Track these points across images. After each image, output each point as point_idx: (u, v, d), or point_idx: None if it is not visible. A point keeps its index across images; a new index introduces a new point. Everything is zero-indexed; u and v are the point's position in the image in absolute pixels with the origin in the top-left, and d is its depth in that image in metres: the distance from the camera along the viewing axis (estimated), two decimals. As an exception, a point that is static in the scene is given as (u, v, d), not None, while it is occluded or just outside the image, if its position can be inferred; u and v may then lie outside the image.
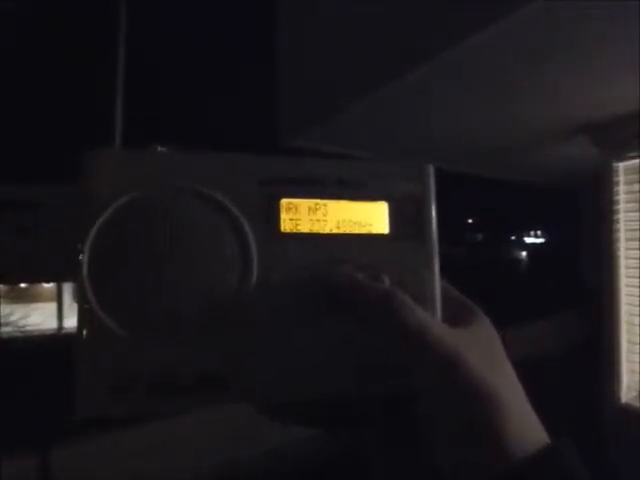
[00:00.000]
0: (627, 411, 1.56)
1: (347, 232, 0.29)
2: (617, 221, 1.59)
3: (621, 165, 1.59)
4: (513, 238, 2.52)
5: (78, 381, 0.25)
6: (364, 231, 0.29)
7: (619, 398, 1.58)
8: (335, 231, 0.29)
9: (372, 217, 0.29)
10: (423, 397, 0.26)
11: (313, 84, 1.52)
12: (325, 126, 1.57)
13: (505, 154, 1.97)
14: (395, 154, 1.95)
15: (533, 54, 1.04)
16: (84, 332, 0.25)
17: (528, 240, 2.54)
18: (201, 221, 0.26)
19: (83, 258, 0.25)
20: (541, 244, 2.54)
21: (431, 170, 0.31)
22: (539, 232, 2.57)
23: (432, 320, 0.27)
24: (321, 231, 0.28)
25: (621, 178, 1.59)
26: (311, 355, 0.27)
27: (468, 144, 1.81)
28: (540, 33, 0.94)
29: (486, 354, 0.26)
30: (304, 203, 0.28)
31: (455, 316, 0.29)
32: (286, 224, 0.28)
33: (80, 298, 0.25)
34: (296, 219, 0.28)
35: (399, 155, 1.93)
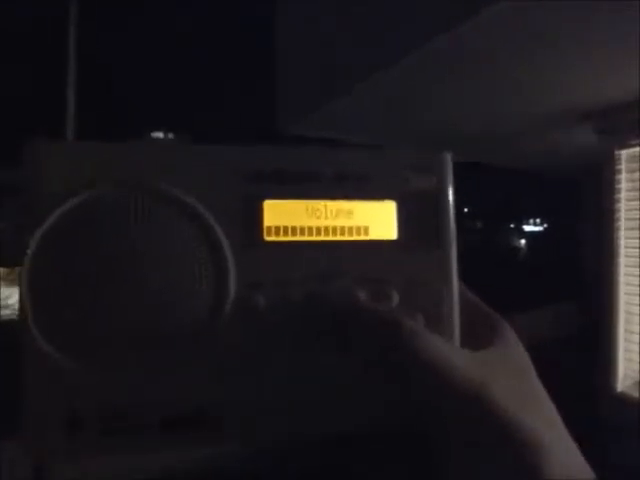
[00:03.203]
0: (623, 400, 1.56)
1: (346, 239, 0.24)
2: (618, 209, 1.58)
3: (623, 153, 1.57)
4: (512, 226, 2.52)
5: (24, 418, 0.21)
6: (367, 237, 0.25)
7: (615, 387, 1.59)
8: (331, 238, 0.24)
9: (377, 220, 0.25)
10: (441, 441, 0.22)
11: (312, 70, 1.50)
12: (324, 112, 1.55)
13: (505, 141, 1.95)
14: (394, 142, 1.93)
15: (534, 40, 1.03)
16: (27, 362, 0.21)
17: (527, 228, 2.54)
18: (165, 228, 0.22)
19: (22, 274, 0.21)
20: (540, 232, 2.53)
21: (448, 160, 0.26)
22: (538, 220, 2.56)
23: (451, 349, 0.23)
24: (314, 238, 0.24)
25: (623, 166, 1.57)
26: (300, 391, 0.23)
27: (468, 131, 1.80)
28: (541, 19, 0.92)
29: (517, 383, 0.22)
30: (293, 205, 0.24)
31: (475, 332, 0.25)
32: (270, 230, 0.23)
33: (20, 322, 0.21)
34: (283, 224, 0.24)
35: (399, 142, 1.91)
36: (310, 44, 1.51)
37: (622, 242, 1.58)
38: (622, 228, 1.58)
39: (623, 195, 1.58)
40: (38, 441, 0.21)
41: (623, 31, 0.96)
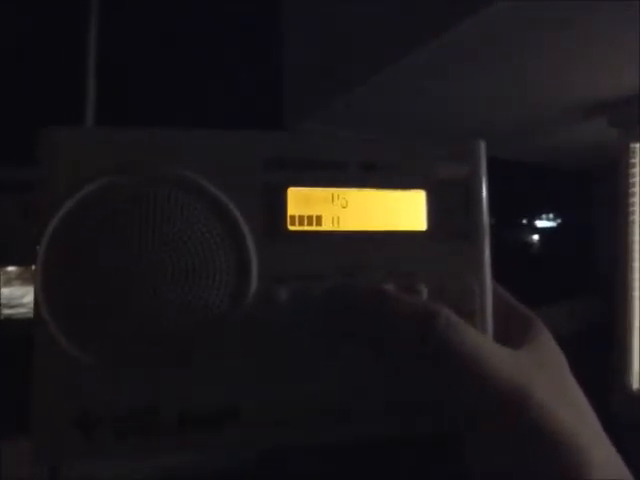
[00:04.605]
0: (639, 398, 1.54)
1: (373, 229, 0.23)
2: (633, 204, 1.56)
3: (638, 146, 1.55)
4: (525, 221, 2.49)
5: (34, 415, 0.21)
6: (395, 228, 0.24)
7: (630, 385, 1.56)
8: (358, 228, 0.23)
9: (406, 210, 0.24)
10: (471, 442, 0.21)
11: (320, 63, 1.49)
12: (334, 107, 1.54)
13: (517, 135, 1.93)
14: (405, 136, 1.91)
15: (548, 30, 1.01)
16: (39, 356, 0.21)
17: (540, 223, 2.51)
18: (184, 217, 0.21)
19: (37, 265, 0.20)
20: (554, 227, 2.50)
21: (482, 148, 0.25)
22: (551, 215, 2.53)
23: (489, 344, 0.22)
24: (339, 229, 0.23)
25: (638, 159, 1.55)
26: (326, 390, 0.22)
27: (478, 125, 1.78)
28: (555, 9, 0.91)
29: (554, 382, 0.21)
30: (318, 193, 0.23)
31: (508, 329, 0.24)
32: (294, 220, 0.23)
33: (35, 315, 0.21)
34: (307, 214, 0.23)
35: (411, 136, 1.90)
36: (317, 38, 1.51)
37: (637, 237, 1.56)
38: (637, 222, 1.55)
39: (638, 189, 1.55)
40: (49, 441, 0.21)
41: (629, 25, 0.95)
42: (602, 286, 2.07)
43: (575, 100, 1.50)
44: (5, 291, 1.53)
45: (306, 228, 0.23)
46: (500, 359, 0.20)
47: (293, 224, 0.23)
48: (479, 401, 0.20)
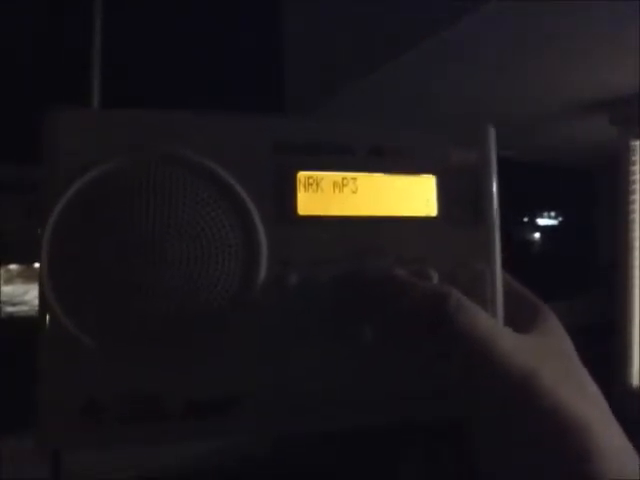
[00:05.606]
0: (639, 396, 1.54)
1: (383, 214, 0.23)
2: (633, 201, 1.56)
3: (639, 144, 1.55)
4: (526, 220, 2.48)
5: (38, 402, 0.20)
6: (405, 213, 0.23)
7: (631, 382, 1.57)
8: (368, 213, 0.23)
9: (416, 195, 0.23)
10: (484, 429, 0.20)
11: (320, 61, 1.49)
12: (334, 105, 1.55)
13: (518, 133, 1.93)
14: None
15: (549, 28, 1.01)
16: (45, 341, 0.20)
17: (542, 222, 2.50)
18: (193, 200, 0.20)
19: (42, 251, 0.20)
20: (555, 226, 2.49)
21: (492, 133, 0.25)
22: (553, 213, 2.52)
23: (500, 328, 0.21)
24: (349, 213, 0.23)
25: (638, 157, 1.55)
26: (336, 375, 0.22)
27: (479, 123, 1.78)
28: (555, 7, 0.91)
29: (563, 368, 0.21)
30: (328, 177, 0.23)
31: (518, 316, 0.23)
32: (304, 204, 0.22)
33: (40, 300, 0.20)
34: (317, 198, 0.22)
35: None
36: (317, 35, 1.51)
37: (638, 235, 1.56)
38: (637, 220, 1.55)
39: (638, 186, 1.55)
40: (54, 428, 0.21)
41: (629, 25, 0.95)
42: (602, 284, 2.07)
43: (575, 99, 1.50)
44: (7, 289, 1.53)
45: (316, 212, 0.22)
46: (511, 343, 0.20)
47: (303, 208, 0.22)
48: (490, 384, 0.20)
